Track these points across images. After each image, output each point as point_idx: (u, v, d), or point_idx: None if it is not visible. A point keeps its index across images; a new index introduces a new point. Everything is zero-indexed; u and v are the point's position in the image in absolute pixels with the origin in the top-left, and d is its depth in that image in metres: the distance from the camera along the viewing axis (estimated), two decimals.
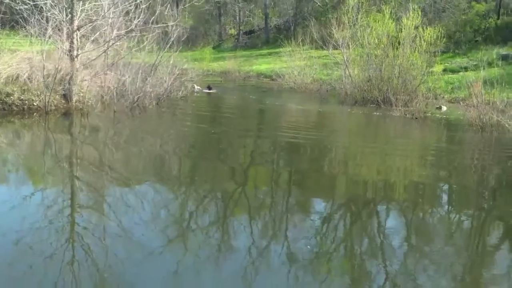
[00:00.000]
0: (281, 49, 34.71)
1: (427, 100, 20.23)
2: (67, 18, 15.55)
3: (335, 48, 26.02)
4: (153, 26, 18.08)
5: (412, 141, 15.30)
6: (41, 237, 6.16)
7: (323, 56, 30.07)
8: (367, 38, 23.00)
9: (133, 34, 17.69)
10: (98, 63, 16.52)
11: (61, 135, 13.10)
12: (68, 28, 15.55)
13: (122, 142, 12.72)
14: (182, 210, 7.77)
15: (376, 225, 7.56)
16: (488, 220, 8.24)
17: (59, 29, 15.80)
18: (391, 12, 23.33)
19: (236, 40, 49.87)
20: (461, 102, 21.07)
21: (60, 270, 5.39)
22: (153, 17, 18.09)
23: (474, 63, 25.13)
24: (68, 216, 7.08)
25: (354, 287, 5.71)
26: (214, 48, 48.32)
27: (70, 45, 15.46)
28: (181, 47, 20.62)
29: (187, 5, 38.00)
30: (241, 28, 50.81)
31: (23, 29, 15.97)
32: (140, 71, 17.19)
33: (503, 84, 18.21)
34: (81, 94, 15.25)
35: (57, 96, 14.73)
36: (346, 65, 24.64)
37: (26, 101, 14.20)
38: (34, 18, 15.23)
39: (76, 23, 15.46)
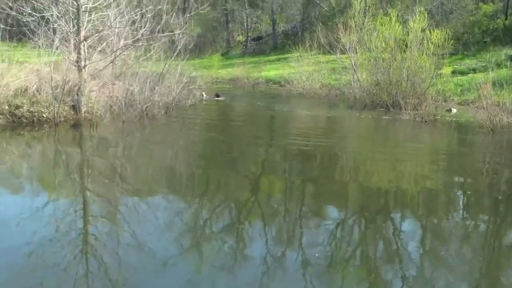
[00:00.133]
0: (289, 55, 34.70)
1: (436, 103, 20.05)
2: (74, 29, 15.61)
3: (342, 52, 26.01)
4: (159, 35, 18.11)
5: (423, 145, 15.16)
6: (53, 249, 6.13)
7: (331, 60, 30.03)
8: (374, 42, 22.96)
9: (140, 44, 17.70)
10: (106, 73, 16.57)
11: (71, 147, 13.10)
12: (75, 39, 15.60)
13: (132, 153, 12.70)
14: (195, 219, 7.72)
15: (391, 232, 7.47)
16: (504, 225, 8.12)
17: (66, 40, 15.88)
18: (397, 15, 23.25)
19: (244, 47, 49.97)
20: (471, 104, 21.01)
21: (74, 282, 5.36)
22: (160, 26, 18.11)
23: (483, 65, 24.98)
24: (80, 227, 7.07)
25: None
26: (222, 55, 48.45)
27: (77, 56, 15.48)
28: (188, 55, 20.66)
29: (193, 13, 38.03)
30: (249, 34, 50.92)
31: (31, 41, 16.06)
32: (148, 80, 17.17)
33: None
34: (90, 105, 15.27)
35: (66, 107, 14.76)
36: (354, 70, 24.61)
37: (36, 113, 14.21)
38: (41, 29, 15.30)
39: (83, 33, 15.51)
